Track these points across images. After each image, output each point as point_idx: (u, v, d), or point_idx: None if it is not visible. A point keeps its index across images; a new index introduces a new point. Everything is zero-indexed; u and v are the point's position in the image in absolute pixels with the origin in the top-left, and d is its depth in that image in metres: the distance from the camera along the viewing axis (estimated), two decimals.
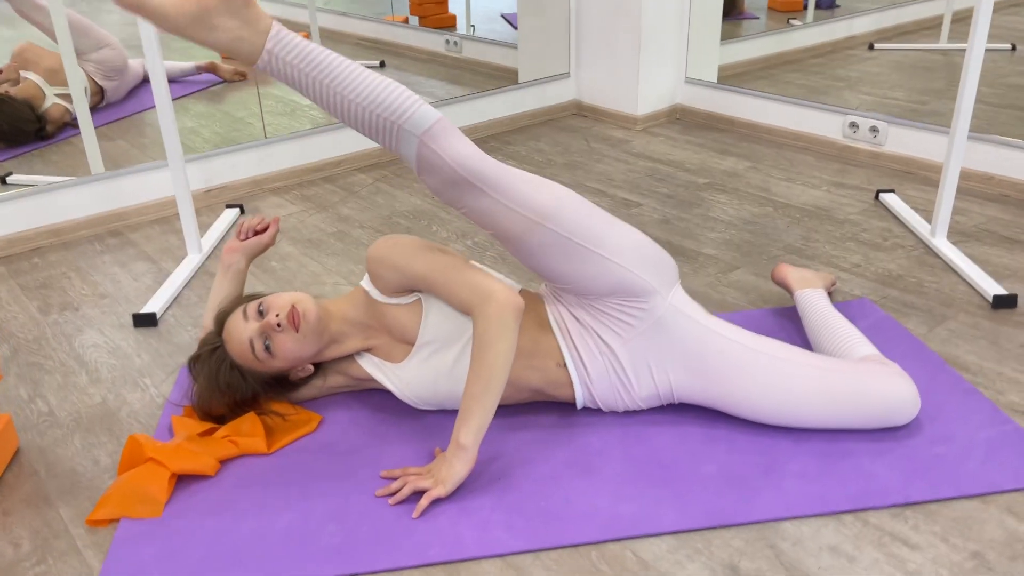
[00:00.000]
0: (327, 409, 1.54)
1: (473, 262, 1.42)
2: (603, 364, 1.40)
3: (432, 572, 1.18)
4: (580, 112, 3.36)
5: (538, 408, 1.50)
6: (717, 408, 1.42)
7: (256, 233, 1.62)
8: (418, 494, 1.29)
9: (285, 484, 1.36)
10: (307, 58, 1.22)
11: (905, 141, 2.60)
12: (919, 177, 2.55)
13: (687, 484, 1.31)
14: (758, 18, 3.69)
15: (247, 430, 1.44)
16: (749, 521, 1.23)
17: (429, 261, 1.37)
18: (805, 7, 3.66)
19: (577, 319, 1.41)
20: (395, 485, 1.31)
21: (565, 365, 1.41)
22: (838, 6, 3.78)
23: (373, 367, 1.47)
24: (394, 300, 1.43)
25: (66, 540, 1.27)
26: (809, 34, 3.72)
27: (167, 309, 1.95)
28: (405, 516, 1.27)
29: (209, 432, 1.44)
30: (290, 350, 1.38)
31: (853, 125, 2.71)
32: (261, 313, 1.39)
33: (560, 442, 1.42)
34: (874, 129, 2.66)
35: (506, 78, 3.28)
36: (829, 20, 3.86)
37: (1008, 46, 3.23)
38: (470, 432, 1.27)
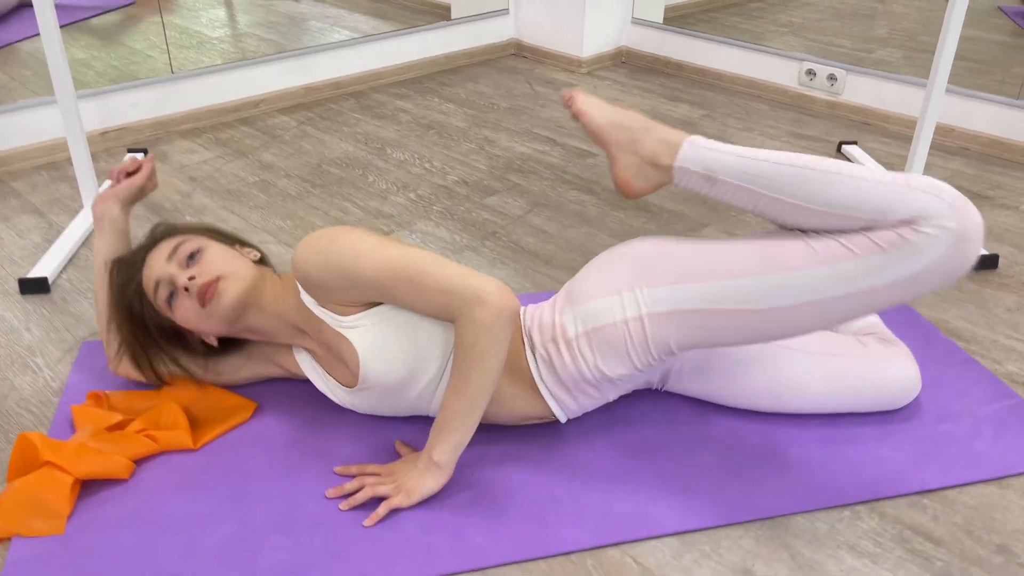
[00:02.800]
0: (263, 394, 1.32)
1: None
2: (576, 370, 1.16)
3: None
4: (520, 52, 3.13)
5: None
6: (712, 400, 1.27)
7: (129, 175, 1.36)
8: (376, 499, 1.10)
9: (217, 488, 1.14)
10: (731, 169, 1.08)
11: (863, 90, 2.50)
12: (878, 128, 2.45)
13: (685, 477, 1.16)
14: None
15: (167, 422, 1.21)
16: (757, 517, 1.10)
17: (382, 260, 1.07)
18: None
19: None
20: (350, 486, 1.12)
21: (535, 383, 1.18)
22: None
23: (313, 372, 1.25)
24: (333, 317, 1.14)
25: None
26: None
27: (61, 273, 1.66)
28: (361, 524, 1.08)
29: (120, 426, 1.20)
30: (189, 319, 1.16)
31: (810, 72, 2.59)
32: (189, 260, 1.16)
33: (540, 437, 1.25)
34: (832, 77, 2.54)
35: (436, 14, 3.01)
36: None
37: None
38: (447, 449, 1.08)
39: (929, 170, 2.17)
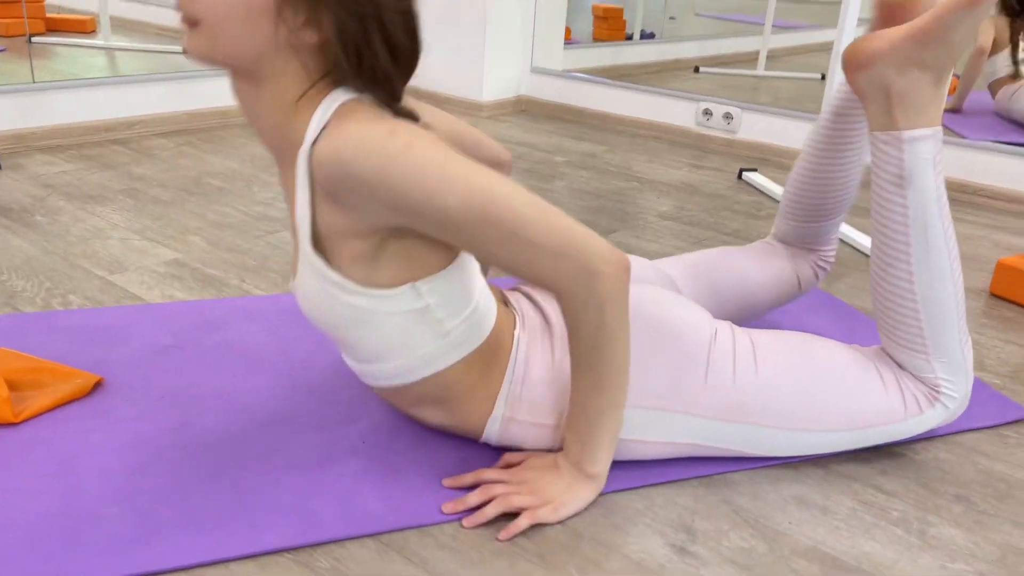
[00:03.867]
0: (109, 366, 1.10)
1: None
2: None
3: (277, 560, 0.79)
4: (418, 97, 3.07)
5: None
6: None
7: None
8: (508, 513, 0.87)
9: (43, 463, 0.91)
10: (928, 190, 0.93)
11: (758, 127, 2.55)
12: (773, 163, 2.48)
13: None
14: (580, 42, 3.63)
15: None
16: (694, 476, 0.96)
17: (476, 194, 0.76)
18: (629, 38, 3.72)
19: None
20: (473, 498, 0.87)
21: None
22: (655, 36, 3.90)
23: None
24: (355, 287, 0.83)
25: None
26: (640, 51, 3.74)
27: None
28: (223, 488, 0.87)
29: None
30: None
31: (707, 112, 2.63)
32: None
33: None
34: (728, 116, 2.58)
35: None
36: (659, 41, 3.93)
37: (819, 75, 3.37)
38: (602, 458, 0.88)
39: None
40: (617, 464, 0.93)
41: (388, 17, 0.78)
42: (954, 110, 2.76)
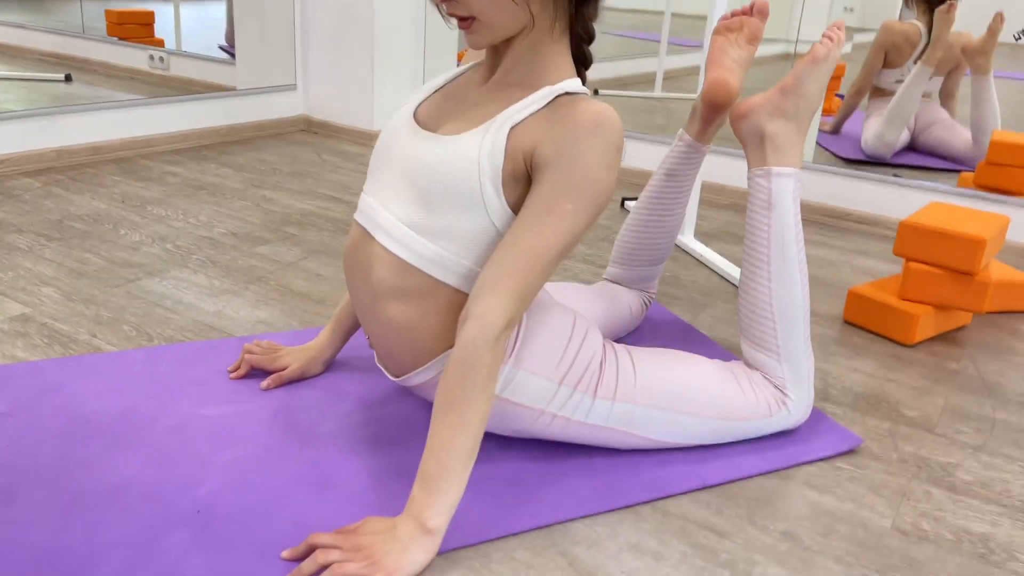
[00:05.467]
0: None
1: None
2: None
3: None
4: (310, 128, 3.04)
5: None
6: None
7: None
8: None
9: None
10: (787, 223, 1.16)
11: (642, 156, 2.61)
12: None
13: None
14: None
15: None
16: (533, 527, 0.97)
17: (562, 191, 0.90)
18: None
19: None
20: (308, 567, 0.85)
21: None
22: None
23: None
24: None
25: None
26: None
27: None
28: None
29: None
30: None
31: None
32: None
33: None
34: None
35: (221, 87, 2.88)
36: None
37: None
38: (443, 510, 0.87)
39: (704, 220, 2.25)
40: (452, 522, 0.94)
41: None
42: (833, 131, 2.89)
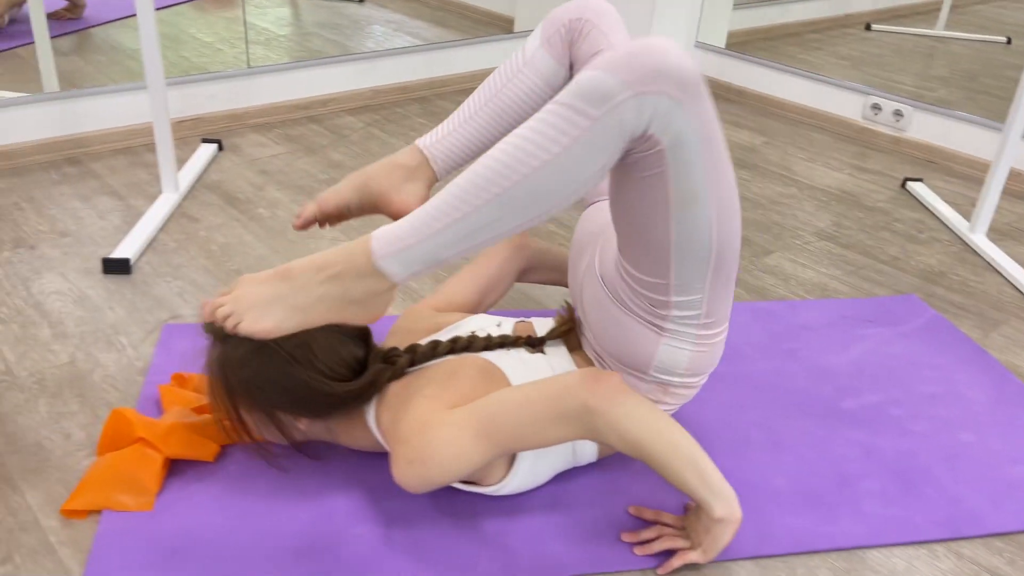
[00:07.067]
0: None
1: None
2: None
3: None
4: None
5: None
6: None
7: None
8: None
9: (300, 476, 1.16)
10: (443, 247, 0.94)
11: (929, 128, 2.50)
12: (942, 167, 2.45)
13: (759, 500, 1.17)
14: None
15: None
16: (834, 548, 1.10)
17: (490, 437, 0.99)
18: None
19: None
20: (647, 533, 1.09)
21: None
22: None
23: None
24: (477, 488, 1.12)
25: (36, 534, 1.05)
26: (807, 8, 3.59)
27: (141, 255, 1.70)
28: (447, 520, 1.09)
29: (205, 409, 1.23)
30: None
31: (876, 107, 2.59)
32: None
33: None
34: (898, 113, 2.54)
35: (498, 26, 3.04)
36: None
37: (1004, 39, 3.15)
38: (715, 505, 1.01)
39: (996, 212, 2.16)
40: (765, 528, 1.09)
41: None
42: None
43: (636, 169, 0.91)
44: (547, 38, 1.18)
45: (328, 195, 1.17)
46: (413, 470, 0.99)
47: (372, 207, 1.19)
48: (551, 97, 1.07)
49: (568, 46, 1.17)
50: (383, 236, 0.93)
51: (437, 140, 1.19)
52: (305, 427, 1.09)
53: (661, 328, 1.02)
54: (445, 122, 1.21)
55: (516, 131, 0.89)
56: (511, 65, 1.19)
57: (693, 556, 1.04)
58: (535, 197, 0.88)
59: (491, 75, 1.22)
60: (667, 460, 1.00)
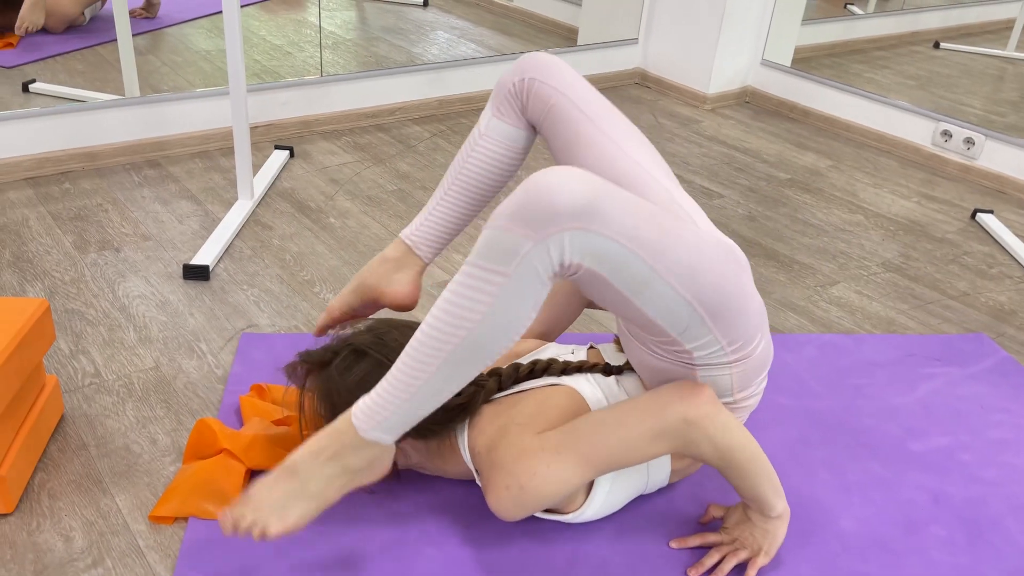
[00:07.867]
0: None
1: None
2: None
3: None
4: (643, 82, 3.16)
5: None
6: None
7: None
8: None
9: (378, 489, 1.20)
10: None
11: (1001, 157, 2.45)
12: (1013, 199, 2.40)
13: (827, 542, 1.17)
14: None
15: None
16: None
17: (586, 461, 1.03)
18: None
19: None
20: (709, 560, 1.11)
21: None
22: None
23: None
24: (560, 516, 1.15)
25: (126, 538, 1.11)
26: (874, 24, 3.54)
27: (219, 262, 1.76)
28: (504, 532, 1.12)
29: (284, 422, 1.27)
30: None
31: (946, 134, 2.55)
32: None
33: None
34: (969, 141, 2.50)
35: (561, 35, 3.06)
36: (894, 12, 3.69)
37: None
38: (774, 505, 1.07)
39: None
40: (831, 570, 1.10)
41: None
42: None
43: (578, 285, 0.95)
44: (497, 107, 1.19)
45: (334, 304, 1.28)
46: (511, 495, 1.03)
47: (373, 303, 1.27)
48: (515, 159, 1.19)
49: (520, 110, 1.17)
50: (361, 413, 0.98)
51: (416, 228, 1.25)
52: (410, 447, 1.14)
53: (692, 365, 1.05)
54: (423, 209, 1.27)
55: (442, 295, 0.93)
56: (470, 140, 1.22)
57: (762, 561, 1.09)
58: (480, 350, 0.93)
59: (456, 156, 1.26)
60: (750, 467, 1.04)
